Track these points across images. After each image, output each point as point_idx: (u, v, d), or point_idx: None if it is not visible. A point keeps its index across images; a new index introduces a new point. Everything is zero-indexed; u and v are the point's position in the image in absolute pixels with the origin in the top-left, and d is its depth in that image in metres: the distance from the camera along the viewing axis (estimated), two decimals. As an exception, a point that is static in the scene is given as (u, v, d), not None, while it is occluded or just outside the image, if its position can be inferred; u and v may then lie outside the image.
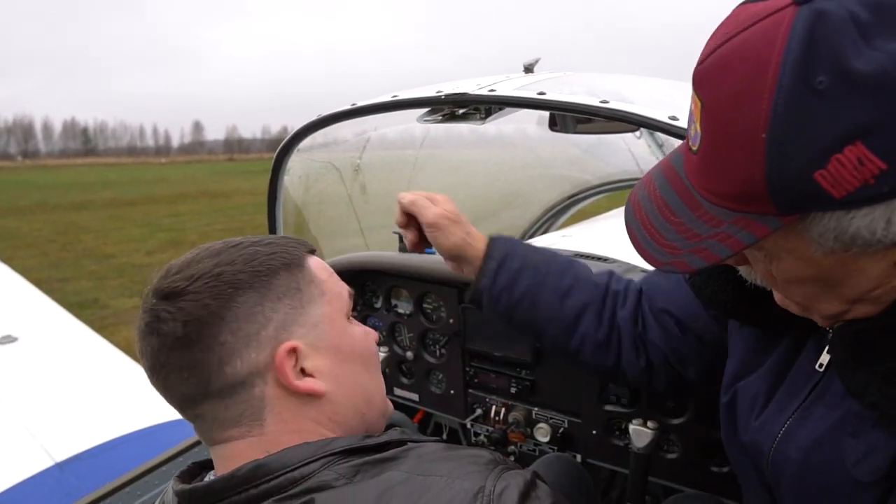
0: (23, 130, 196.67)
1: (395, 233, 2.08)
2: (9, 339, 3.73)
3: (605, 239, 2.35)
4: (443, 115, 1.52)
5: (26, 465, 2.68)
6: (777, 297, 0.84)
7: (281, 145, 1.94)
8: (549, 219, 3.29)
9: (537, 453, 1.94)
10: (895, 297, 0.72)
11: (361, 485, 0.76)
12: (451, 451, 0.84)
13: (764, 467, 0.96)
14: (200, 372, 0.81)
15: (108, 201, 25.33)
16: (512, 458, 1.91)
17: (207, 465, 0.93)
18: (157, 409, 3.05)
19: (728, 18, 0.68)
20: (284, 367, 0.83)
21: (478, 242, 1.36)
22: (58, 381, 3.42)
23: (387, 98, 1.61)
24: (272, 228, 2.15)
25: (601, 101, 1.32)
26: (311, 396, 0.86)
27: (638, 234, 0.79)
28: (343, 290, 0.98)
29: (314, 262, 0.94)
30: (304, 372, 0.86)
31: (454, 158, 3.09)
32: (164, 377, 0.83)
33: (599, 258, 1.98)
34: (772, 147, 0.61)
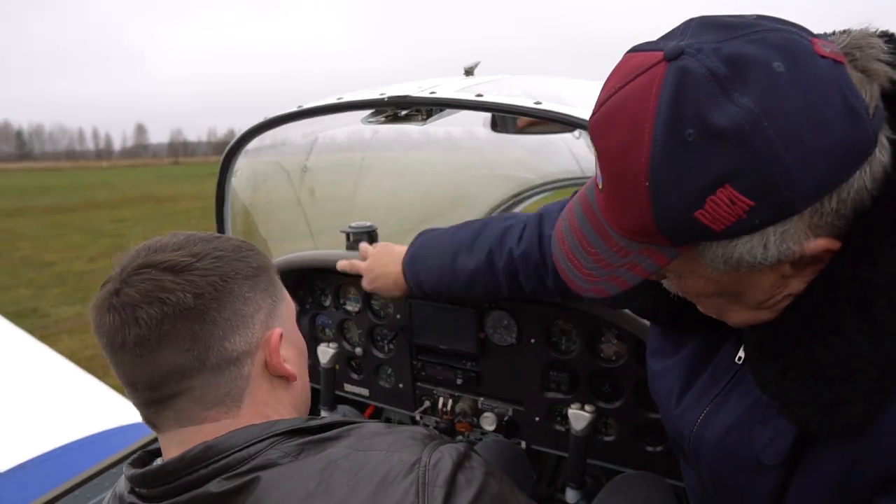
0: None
1: (342, 231, 2.14)
2: (-54, 350, 3.64)
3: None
4: (386, 117, 1.58)
5: (-32, 475, 2.64)
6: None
7: (228, 147, 1.97)
8: (494, 217, 3.38)
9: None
10: (787, 304, 0.81)
11: (306, 461, 0.82)
12: (390, 429, 0.90)
13: (686, 449, 1.05)
14: (203, 343, 0.86)
15: (46, 207, 24.49)
16: None
17: (156, 454, 0.96)
18: (101, 417, 3.03)
19: (618, 66, 0.76)
20: (277, 349, 0.93)
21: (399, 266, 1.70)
22: (-1, 390, 3.35)
23: (332, 100, 1.66)
24: (220, 230, 2.17)
25: (535, 103, 1.40)
26: (285, 380, 0.96)
27: (563, 263, 0.88)
28: None
29: (274, 269, 1.02)
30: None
31: (401, 160, 3.15)
32: (155, 348, 0.83)
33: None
34: (654, 193, 0.69)
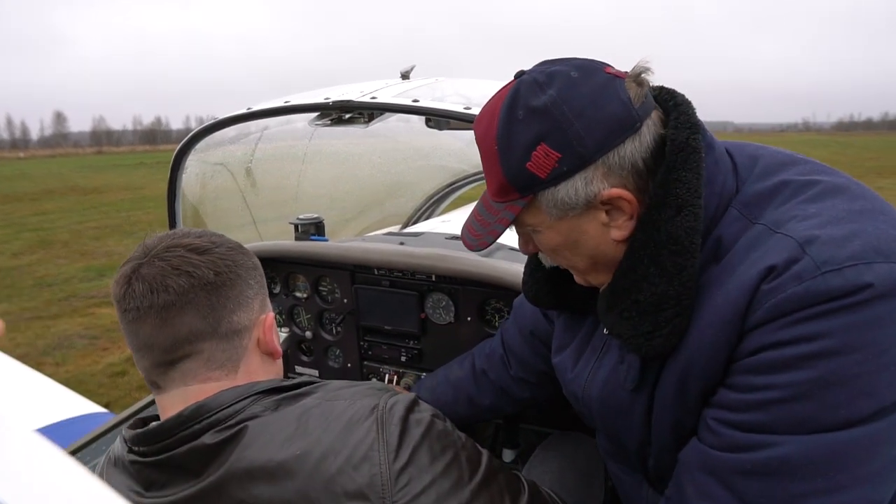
0: None
1: (291, 223, 2.28)
2: None
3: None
4: (331, 120, 1.74)
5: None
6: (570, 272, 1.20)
7: (179, 146, 2.08)
8: (432, 205, 3.55)
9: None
10: (615, 260, 1.06)
11: (284, 411, 1.00)
12: (352, 384, 1.10)
13: (582, 408, 1.32)
14: (218, 312, 1.03)
15: (-39, 201, 23.31)
16: None
17: (149, 420, 1.12)
18: (45, 412, 3.05)
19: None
20: (270, 329, 1.11)
21: None
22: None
23: (280, 103, 1.81)
24: (172, 225, 2.28)
25: (465, 108, 1.59)
26: (272, 356, 1.14)
27: (463, 232, 1.14)
28: None
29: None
30: None
31: (341, 151, 3.29)
32: (178, 313, 0.99)
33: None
34: (501, 153, 0.99)
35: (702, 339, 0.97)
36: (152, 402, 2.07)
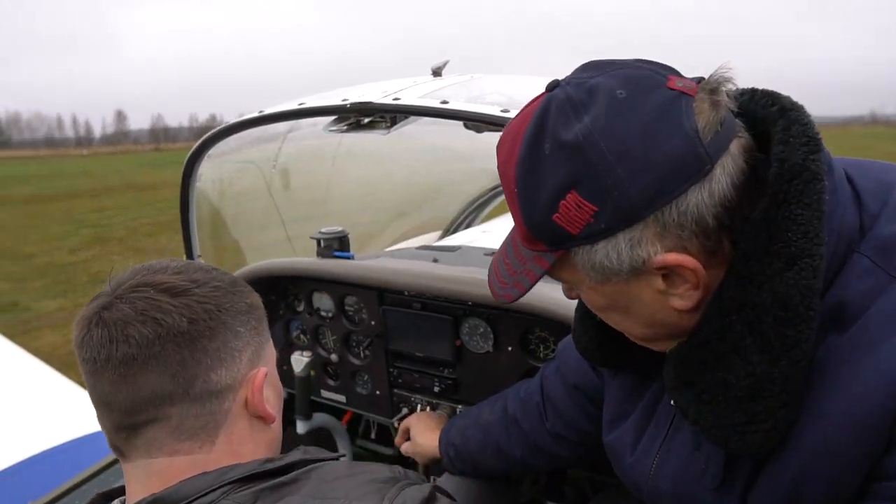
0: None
1: (312, 238, 2.08)
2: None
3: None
4: (348, 125, 1.52)
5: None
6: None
7: (190, 153, 1.90)
8: (472, 212, 3.33)
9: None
10: (683, 328, 0.84)
11: None
12: (352, 469, 0.88)
13: (645, 500, 1.06)
14: (191, 369, 0.84)
15: (25, 197, 24.11)
16: None
17: (112, 495, 0.92)
18: (76, 423, 2.96)
19: None
20: (260, 388, 0.91)
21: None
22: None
23: (293, 106, 1.60)
24: (186, 237, 2.11)
25: (502, 111, 1.34)
26: (262, 421, 0.94)
27: (490, 273, 0.94)
28: None
29: (263, 310, 1.01)
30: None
31: (375, 153, 3.09)
32: (141, 369, 0.81)
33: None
34: (521, 198, 0.78)
35: (826, 442, 0.74)
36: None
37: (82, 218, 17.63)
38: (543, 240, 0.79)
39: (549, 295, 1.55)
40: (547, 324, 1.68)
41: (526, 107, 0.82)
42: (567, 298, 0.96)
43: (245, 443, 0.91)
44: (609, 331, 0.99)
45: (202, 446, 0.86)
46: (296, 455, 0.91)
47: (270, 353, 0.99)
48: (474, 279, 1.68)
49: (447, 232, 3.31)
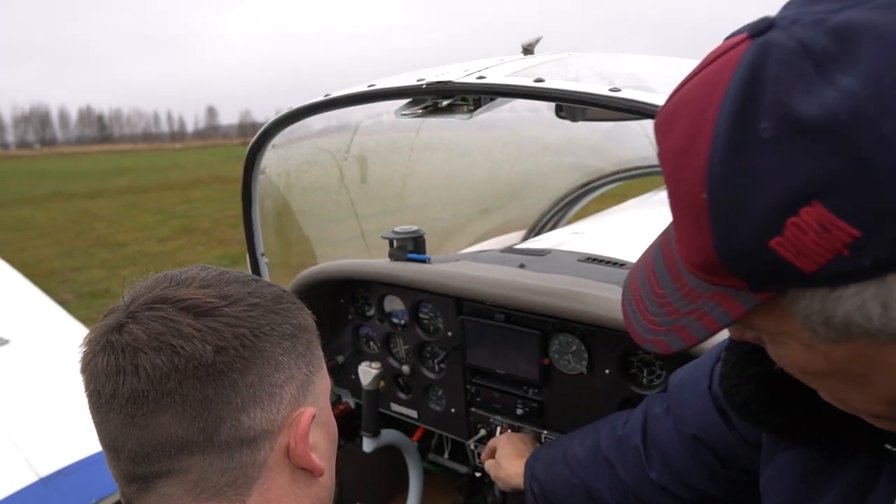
0: (39, 119, 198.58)
1: (384, 237, 1.88)
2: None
3: (620, 236, 2.12)
4: (424, 108, 1.30)
5: (9, 481, 2.55)
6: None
7: (252, 142, 1.73)
8: (560, 210, 3.06)
9: (547, 481, 1.75)
10: None
11: None
12: None
13: None
14: (215, 413, 0.66)
15: (122, 189, 25.31)
16: None
17: None
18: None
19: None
20: (306, 434, 0.73)
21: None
22: (48, 387, 3.26)
23: (363, 88, 1.40)
24: (249, 234, 1.95)
25: (611, 89, 1.09)
26: (308, 474, 0.75)
27: (628, 305, 0.69)
28: None
29: (316, 333, 0.82)
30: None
31: (455, 144, 2.88)
32: (153, 409, 0.65)
33: (614, 262, 1.76)
34: (714, 210, 0.50)
35: None
36: None
37: (172, 209, 18.31)
38: (743, 274, 0.53)
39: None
40: None
41: (706, 64, 0.53)
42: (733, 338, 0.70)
43: (285, 501, 0.72)
44: (786, 388, 0.71)
45: None
46: None
47: (322, 386, 0.79)
48: (568, 292, 1.43)
49: (532, 232, 3.06)
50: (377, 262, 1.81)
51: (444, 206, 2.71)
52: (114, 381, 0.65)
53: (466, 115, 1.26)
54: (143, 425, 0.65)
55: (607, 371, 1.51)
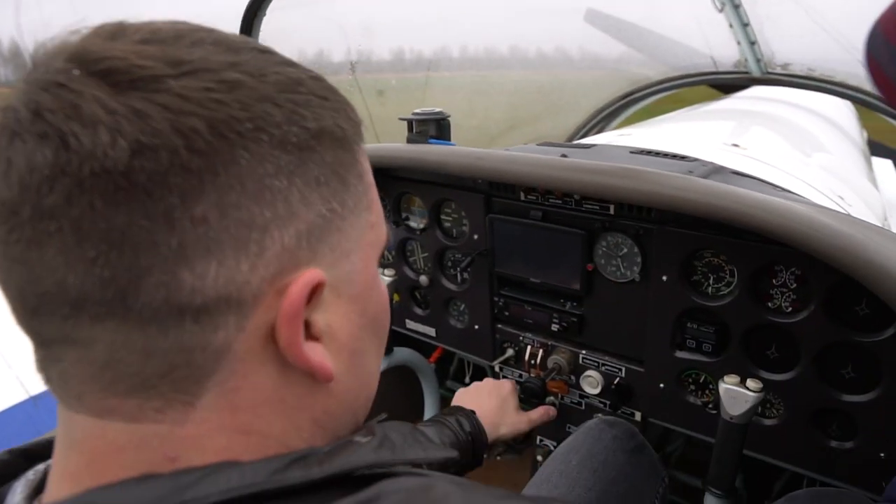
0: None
1: (401, 118, 1.63)
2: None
3: (675, 137, 1.84)
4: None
5: (-1, 398, 2.45)
6: None
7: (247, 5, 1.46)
8: (601, 121, 2.78)
9: (583, 407, 1.53)
10: None
11: None
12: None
13: None
14: (128, 258, 0.39)
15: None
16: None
17: (33, 453, 0.51)
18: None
19: None
20: (298, 313, 0.44)
21: None
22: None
23: None
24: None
25: None
26: (310, 378, 0.47)
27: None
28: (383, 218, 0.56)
29: (363, 154, 0.52)
30: (309, 330, 0.46)
31: (483, 53, 2.62)
32: (32, 235, 0.39)
33: (674, 155, 1.50)
34: None
35: None
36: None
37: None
38: None
39: (754, 197, 1.02)
40: (725, 243, 1.16)
41: None
42: None
43: (265, 413, 0.45)
44: None
45: (162, 410, 0.42)
46: (364, 453, 0.47)
47: (350, 240, 0.49)
48: (626, 170, 1.16)
49: (571, 139, 2.80)
50: (392, 145, 1.55)
51: (472, 114, 2.43)
52: None
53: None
54: (22, 260, 0.39)
55: (664, 278, 1.26)
